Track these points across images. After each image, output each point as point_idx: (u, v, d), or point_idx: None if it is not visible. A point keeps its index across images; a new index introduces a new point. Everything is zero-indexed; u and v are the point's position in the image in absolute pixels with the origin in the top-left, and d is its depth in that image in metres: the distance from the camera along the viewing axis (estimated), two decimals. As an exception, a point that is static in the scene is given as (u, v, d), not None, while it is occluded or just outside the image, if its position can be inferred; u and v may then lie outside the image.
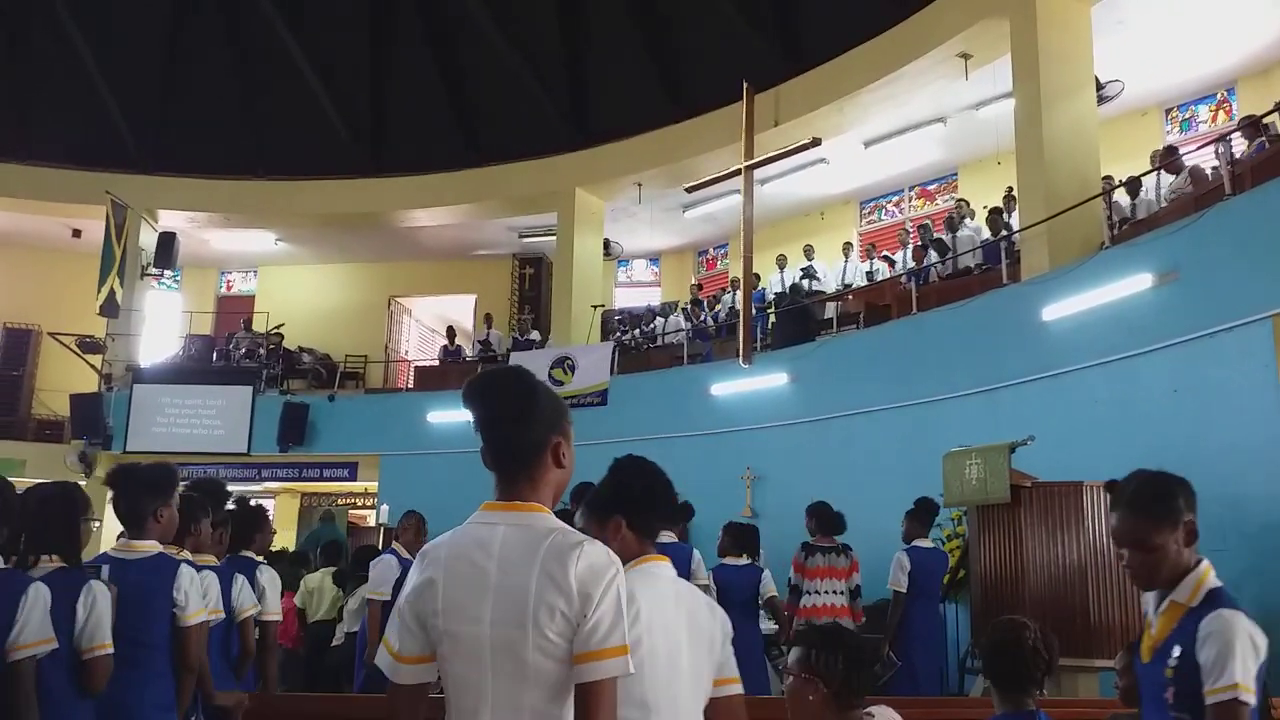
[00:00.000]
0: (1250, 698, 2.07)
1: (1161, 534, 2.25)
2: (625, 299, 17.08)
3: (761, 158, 11.05)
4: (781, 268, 13.61)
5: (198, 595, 3.33)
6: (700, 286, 15.68)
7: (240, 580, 4.00)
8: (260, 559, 4.47)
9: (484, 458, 1.88)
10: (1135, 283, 7.52)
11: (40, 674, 2.77)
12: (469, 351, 15.64)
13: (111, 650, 2.95)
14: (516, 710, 1.74)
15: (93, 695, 2.93)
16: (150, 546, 3.25)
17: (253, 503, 4.96)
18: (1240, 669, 2.08)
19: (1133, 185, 9.48)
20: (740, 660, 2.41)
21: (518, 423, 1.85)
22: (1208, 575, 2.27)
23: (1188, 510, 2.28)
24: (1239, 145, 8.55)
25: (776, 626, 6.77)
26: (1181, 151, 9.35)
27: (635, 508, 2.32)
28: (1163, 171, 9.22)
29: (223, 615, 3.76)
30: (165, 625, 3.22)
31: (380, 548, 10.34)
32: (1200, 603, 2.22)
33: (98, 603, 2.95)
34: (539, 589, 1.72)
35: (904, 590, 6.36)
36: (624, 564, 1.86)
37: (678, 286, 16.71)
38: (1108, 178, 9.85)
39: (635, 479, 2.35)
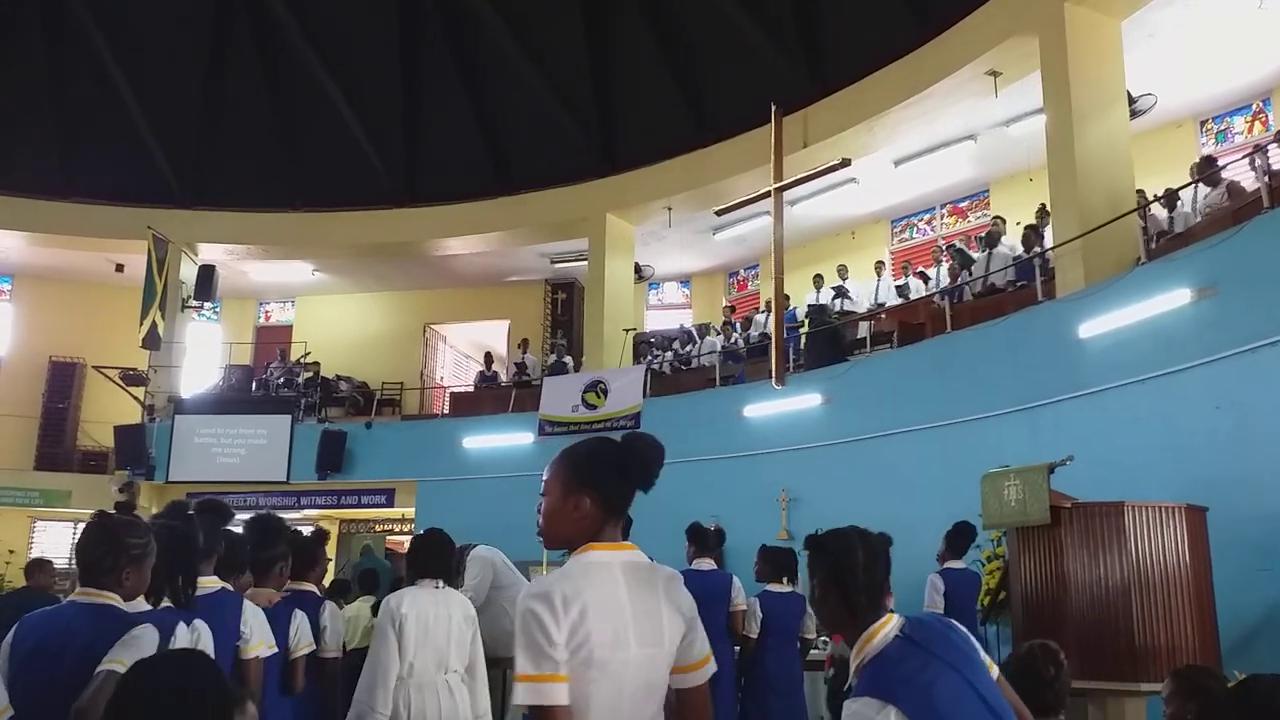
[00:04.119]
0: None
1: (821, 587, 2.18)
2: (656, 322, 17.13)
3: (791, 179, 11.04)
4: (818, 288, 13.55)
5: (260, 629, 3.39)
6: (734, 308, 15.67)
7: (300, 617, 3.91)
8: (318, 593, 4.36)
9: (586, 505, 2.03)
10: (1173, 298, 7.40)
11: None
12: (505, 376, 15.73)
13: None
14: None
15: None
16: (211, 583, 3.30)
17: (307, 531, 4.83)
18: None
19: (1170, 198, 9.37)
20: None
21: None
22: (872, 640, 2.10)
23: (841, 557, 2.17)
24: (1275, 156, 8.43)
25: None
26: (1220, 162, 9.22)
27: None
28: (1200, 184, 9.11)
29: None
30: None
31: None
32: (857, 681, 2.07)
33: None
34: (667, 613, 2.04)
35: (941, 611, 6.30)
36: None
37: (709, 308, 16.74)
38: (1141, 191, 9.75)
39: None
